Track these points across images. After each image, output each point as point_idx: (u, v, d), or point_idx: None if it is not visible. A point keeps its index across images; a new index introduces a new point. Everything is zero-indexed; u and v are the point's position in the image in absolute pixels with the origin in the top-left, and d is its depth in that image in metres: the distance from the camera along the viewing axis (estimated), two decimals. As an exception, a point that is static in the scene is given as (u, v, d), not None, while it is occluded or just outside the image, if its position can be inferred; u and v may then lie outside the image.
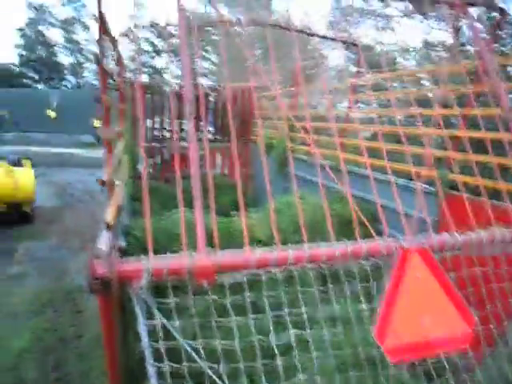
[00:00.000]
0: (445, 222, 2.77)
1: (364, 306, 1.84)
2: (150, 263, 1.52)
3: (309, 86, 6.69)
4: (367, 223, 2.27)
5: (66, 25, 35.11)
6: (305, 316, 1.78)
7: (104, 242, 1.60)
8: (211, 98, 8.34)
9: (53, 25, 34.69)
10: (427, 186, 3.54)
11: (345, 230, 2.26)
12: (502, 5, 2.70)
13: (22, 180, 8.95)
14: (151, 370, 1.48)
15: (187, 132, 1.85)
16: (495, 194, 2.66)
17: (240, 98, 7.80)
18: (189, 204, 1.73)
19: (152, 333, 1.54)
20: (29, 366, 4.46)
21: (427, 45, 15.53)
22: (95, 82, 35.92)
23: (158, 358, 1.56)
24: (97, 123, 23.32)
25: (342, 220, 3.86)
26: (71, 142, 22.62)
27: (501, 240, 1.91)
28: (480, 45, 2.54)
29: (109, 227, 1.65)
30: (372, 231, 2.12)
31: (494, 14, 2.77)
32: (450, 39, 14.49)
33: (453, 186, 3.20)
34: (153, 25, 36.41)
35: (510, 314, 2.25)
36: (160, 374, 1.53)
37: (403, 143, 2.66)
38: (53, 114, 23.61)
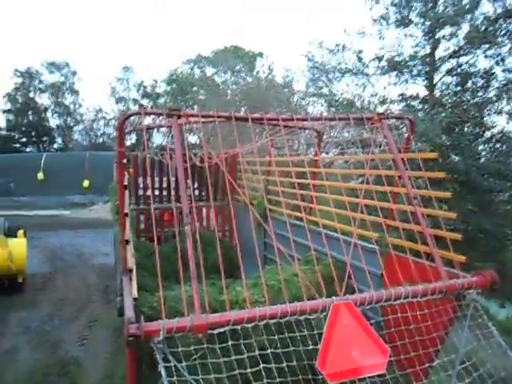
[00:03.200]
0: (386, 274, 3.70)
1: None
2: (164, 324, 2.31)
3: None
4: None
5: (54, 89, 36.99)
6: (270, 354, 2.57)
7: (131, 310, 2.40)
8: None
9: (41, 90, 36.54)
10: (376, 247, 4.44)
11: (328, 286, 3.04)
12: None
13: (17, 252, 8.74)
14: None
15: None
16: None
17: (222, 163, 8.77)
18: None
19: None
20: None
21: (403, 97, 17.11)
22: (84, 143, 37.40)
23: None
24: (86, 183, 24.03)
25: (324, 278, 4.68)
26: (60, 204, 22.98)
27: (404, 295, 2.77)
28: (390, 144, 3.59)
29: (135, 300, 2.43)
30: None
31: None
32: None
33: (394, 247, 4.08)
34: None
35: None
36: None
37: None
38: (40, 176, 23.92)
